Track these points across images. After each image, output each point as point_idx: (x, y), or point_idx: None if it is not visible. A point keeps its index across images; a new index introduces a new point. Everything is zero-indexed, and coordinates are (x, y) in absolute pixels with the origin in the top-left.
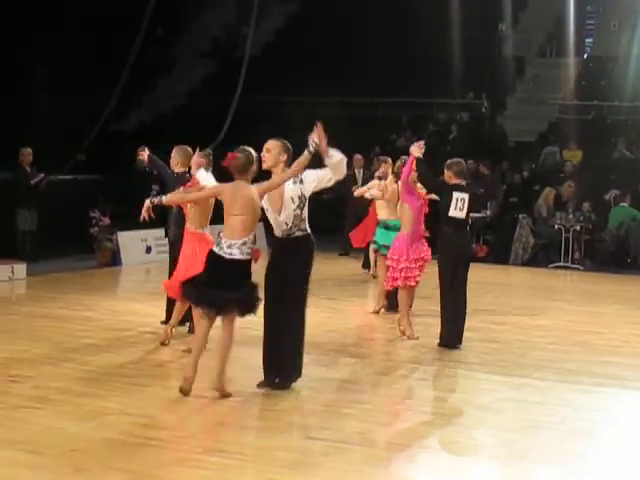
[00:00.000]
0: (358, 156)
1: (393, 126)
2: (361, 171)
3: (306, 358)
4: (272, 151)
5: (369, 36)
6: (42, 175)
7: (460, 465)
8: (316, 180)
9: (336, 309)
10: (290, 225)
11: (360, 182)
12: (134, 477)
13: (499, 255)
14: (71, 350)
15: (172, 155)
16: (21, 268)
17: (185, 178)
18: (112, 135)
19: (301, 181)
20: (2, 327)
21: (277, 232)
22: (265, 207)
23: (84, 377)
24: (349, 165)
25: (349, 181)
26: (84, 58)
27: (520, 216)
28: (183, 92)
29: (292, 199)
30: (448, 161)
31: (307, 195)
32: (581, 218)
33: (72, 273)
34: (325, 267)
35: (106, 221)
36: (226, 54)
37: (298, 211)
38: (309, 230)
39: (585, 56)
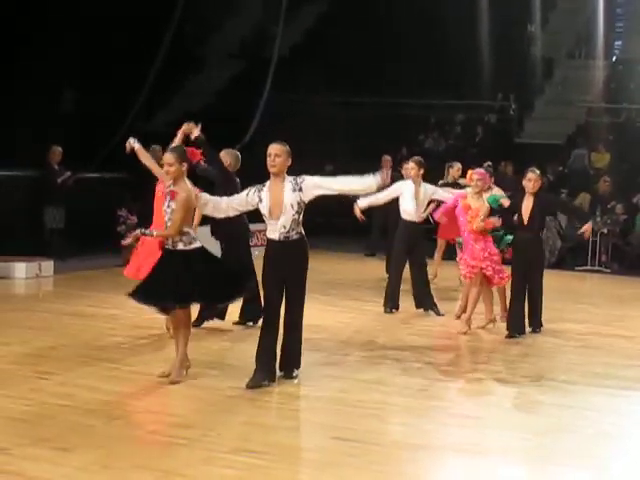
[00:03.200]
0: (386, 157)
1: (421, 127)
2: (389, 172)
3: (332, 358)
4: (282, 156)
5: (398, 36)
6: (69, 173)
7: (487, 467)
8: (319, 188)
9: (362, 309)
10: (288, 229)
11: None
12: (161, 476)
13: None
14: (98, 348)
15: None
16: (48, 265)
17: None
18: (140, 134)
19: (300, 189)
20: (30, 324)
21: (274, 235)
22: (263, 213)
23: (112, 375)
24: (377, 166)
25: None
26: (113, 57)
27: (547, 219)
28: (211, 91)
29: (292, 205)
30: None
31: (307, 201)
32: (608, 221)
33: (99, 271)
34: (351, 267)
35: (133, 219)
36: (255, 54)
37: (296, 216)
38: (303, 232)
39: (614, 59)
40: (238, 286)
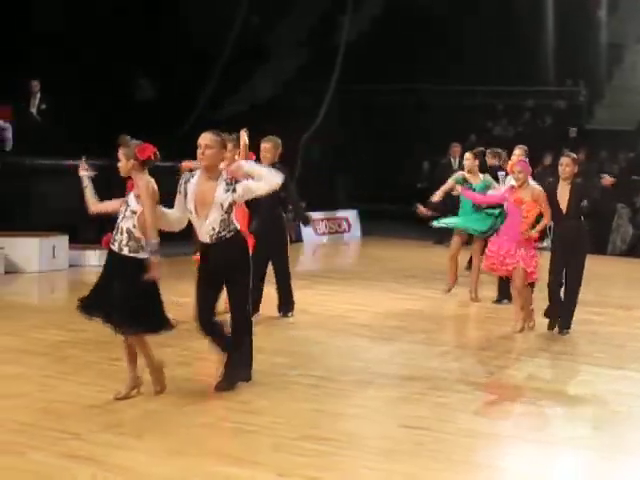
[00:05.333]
0: (455, 144)
1: (489, 114)
2: (457, 160)
3: (400, 346)
4: (214, 148)
5: (465, 23)
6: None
7: (553, 455)
8: (246, 192)
9: (430, 298)
10: (218, 229)
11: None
12: (231, 462)
13: (597, 245)
14: (169, 335)
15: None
16: (95, 255)
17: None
18: (208, 123)
19: (234, 190)
20: None
21: (204, 238)
22: (189, 208)
23: (181, 362)
24: (445, 153)
25: (445, 169)
26: (183, 46)
27: (619, 206)
28: (279, 81)
29: (222, 205)
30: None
31: (238, 202)
32: None
33: (166, 259)
34: (419, 255)
35: None
36: (322, 43)
37: (225, 216)
38: (238, 227)
39: None
40: (142, 321)
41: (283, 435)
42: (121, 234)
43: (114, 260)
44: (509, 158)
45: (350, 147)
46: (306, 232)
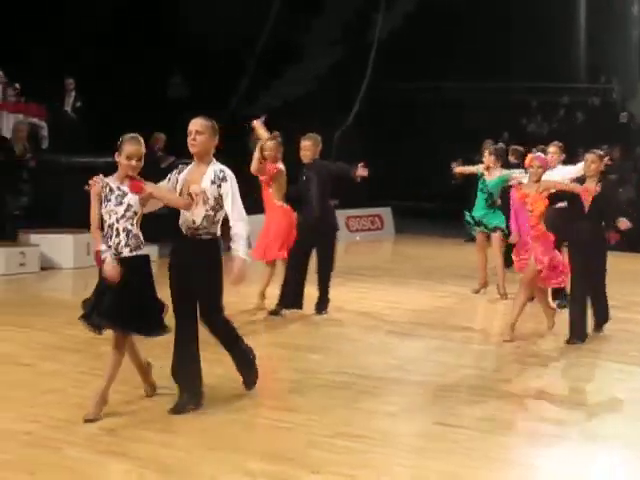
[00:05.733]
0: (488, 141)
1: (522, 111)
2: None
3: (431, 344)
4: (204, 134)
5: (498, 19)
6: (172, 158)
7: (589, 454)
8: (226, 200)
9: (462, 295)
10: (198, 225)
11: None
12: (264, 458)
13: (633, 243)
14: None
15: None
16: (153, 250)
17: None
18: (241, 120)
19: (219, 185)
20: None
21: (182, 228)
22: None
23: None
24: (478, 150)
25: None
26: (217, 44)
27: None
28: (312, 77)
29: (203, 199)
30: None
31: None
32: None
33: None
34: (452, 253)
35: None
36: (355, 40)
37: (211, 212)
38: (219, 234)
39: None
40: (148, 323)
41: (317, 432)
42: (117, 236)
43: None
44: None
45: (383, 144)
46: (339, 229)
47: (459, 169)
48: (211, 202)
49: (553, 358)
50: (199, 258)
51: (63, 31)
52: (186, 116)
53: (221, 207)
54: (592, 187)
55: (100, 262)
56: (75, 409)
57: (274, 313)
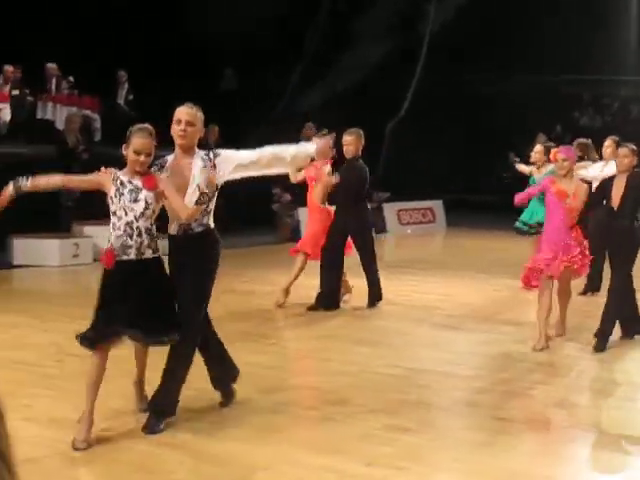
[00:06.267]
0: (541, 135)
1: (575, 104)
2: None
3: (484, 337)
4: (195, 125)
5: (550, 12)
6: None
7: None
8: (239, 167)
9: (514, 288)
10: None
11: None
12: (318, 451)
13: None
14: (253, 324)
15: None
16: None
17: None
18: (294, 111)
19: (213, 166)
20: None
21: (173, 229)
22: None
23: (266, 350)
24: (530, 143)
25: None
26: (266, 35)
27: None
28: (365, 69)
29: (198, 187)
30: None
31: (220, 184)
32: None
33: (253, 249)
34: (504, 246)
35: (287, 197)
36: (407, 31)
37: (206, 202)
38: (212, 225)
39: None
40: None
41: (370, 425)
42: (139, 236)
43: (126, 271)
44: (598, 149)
45: (435, 136)
46: (390, 222)
47: (521, 167)
48: (202, 189)
49: (606, 352)
50: (194, 252)
51: (115, 25)
52: (238, 108)
53: (214, 196)
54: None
55: (112, 262)
56: (127, 400)
57: (313, 309)
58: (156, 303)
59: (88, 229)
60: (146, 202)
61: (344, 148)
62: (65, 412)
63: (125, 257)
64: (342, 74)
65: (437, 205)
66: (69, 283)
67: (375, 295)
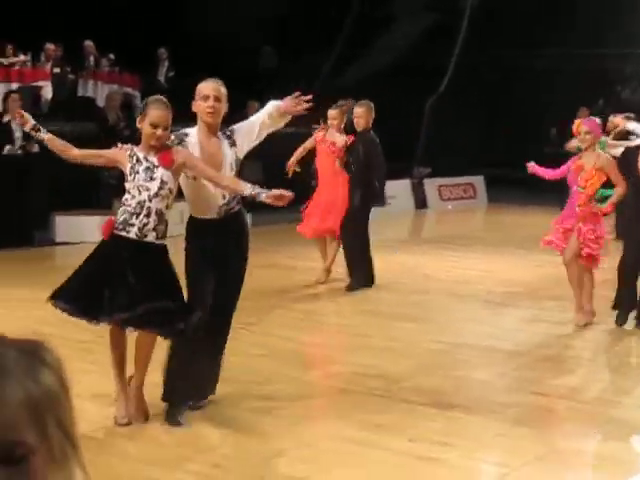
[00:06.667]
0: (583, 109)
1: (617, 77)
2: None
3: (525, 313)
4: (222, 102)
5: None
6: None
7: None
8: (251, 134)
9: (555, 264)
10: (228, 199)
11: None
12: (361, 426)
13: None
14: (293, 299)
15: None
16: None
17: None
18: (333, 89)
19: (234, 143)
20: None
21: (210, 212)
22: (191, 182)
23: (306, 326)
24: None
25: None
26: (304, 14)
27: None
28: (404, 44)
29: (231, 165)
30: None
31: (241, 158)
32: None
33: (292, 225)
34: (545, 222)
35: None
36: (448, 5)
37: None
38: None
39: None
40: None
41: (413, 400)
42: (147, 216)
43: (125, 248)
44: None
45: (476, 112)
46: (431, 198)
47: (570, 145)
48: (234, 168)
49: None
50: (235, 234)
51: (157, 1)
52: (276, 86)
53: (237, 171)
54: None
55: (109, 232)
56: None
57: (350, 289)
58: (150, 291)
59: None
60: (161, 181)
61: (355, 120)
62: (108, 387)
63: (124, 233)
64: (381, 52)
65: (478, 181)
66: None
67: (360, 280)
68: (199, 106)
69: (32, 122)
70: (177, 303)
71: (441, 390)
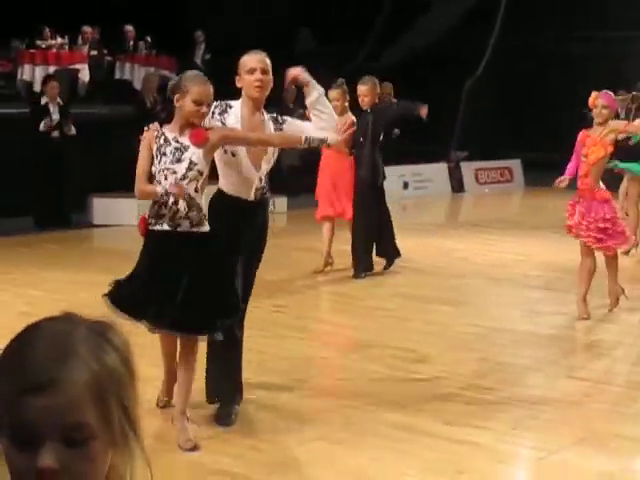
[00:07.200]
0: (621, 92)
1: None
2: (623, 111)
3: (563, 297)
4: (269, 75)
5: None
6: (302, 111)
7: None
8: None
9: None
10: (263, 183)
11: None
12: (397, 409)
13: None
14: (328, 281)
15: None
16: (282, 202)
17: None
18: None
19: (280, 129)
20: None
21: (247, 193)
22: (233, 152)
23: (340, 309)
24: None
25: None
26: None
27: None
28: (442, 27)
29: (274, 151)
30: None
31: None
32: None
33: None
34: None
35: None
36: None
37: (272, 166)
38: None
39: None
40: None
41: (450, 384)
42: (175, 203)
43: (160, 242)
44: None
45: (514, 95)
46: (468, 181)
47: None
48: (275, 154)
49: None
50: (263, 222)
51: None
52: (311, 70)
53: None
54: None
55: (144, 230)
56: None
57: (357, 277)
58: (194, 289)
59: None
60: (190, 162)
61: (359, 99)
62: (142, 367)
63: (158, 227)
64: (418, 35)
65: (515, 164)
66: (137, 242)
67: (362, 264)
68: (245, 80)
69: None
70: (224, 299)
71: (478, 374)
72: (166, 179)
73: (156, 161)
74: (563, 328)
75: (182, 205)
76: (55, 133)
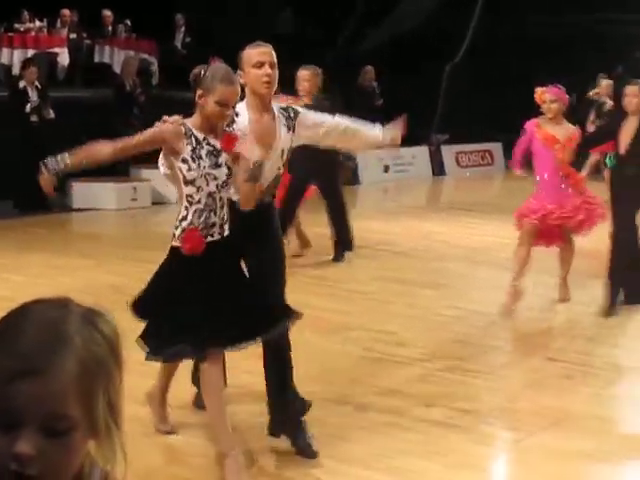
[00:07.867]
0: (602, 75)
1: (636, 44)
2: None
3: (542, 279)
4: (276, 69)
5: None
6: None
7: None
8: (309, 132)
9: None
10: (268, 185)
11: None
12: (378, 391)
13: None
14: (313, 266)
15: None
16: None
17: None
18: (350, 57)
19: (293, 128)
20: None
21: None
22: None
23: (320, 292)
24: (591, 84)
25: (591, 102)
26: None
27: None
28: (422, 12)
29: (282, 152)
30: None
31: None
32: None
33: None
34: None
35: None
36: None
37: (281, 169)
38: None
39: None
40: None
41: (429, 366)
42: (222, 208)
43: (215, 255)
44: None
45: (493, 78)
46: (449, 164)
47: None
48: (284, 155)
49: None
50: (266, 225)
51: None
52: (293, 53)
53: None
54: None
55: (199, 244)
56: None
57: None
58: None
59: (146, 172)
60: (228, 167)
61: (299, 85)
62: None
63: (210, 238)
64: (398, 20)
65: (496, 147)
66: (127, 226)
67: (344, 246)
68: (250, 75)
69: (46, 176)
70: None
71: (458, 356)
72: (208, 185)
73: (194, 165)
74: (544, 310)
75: (225, 211)
76: (34, 117)
